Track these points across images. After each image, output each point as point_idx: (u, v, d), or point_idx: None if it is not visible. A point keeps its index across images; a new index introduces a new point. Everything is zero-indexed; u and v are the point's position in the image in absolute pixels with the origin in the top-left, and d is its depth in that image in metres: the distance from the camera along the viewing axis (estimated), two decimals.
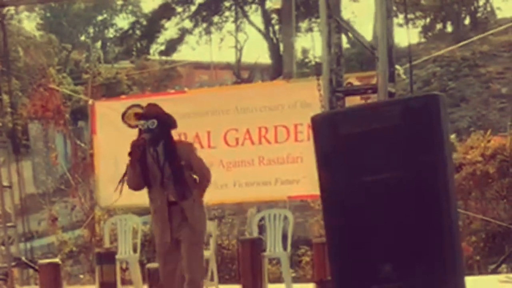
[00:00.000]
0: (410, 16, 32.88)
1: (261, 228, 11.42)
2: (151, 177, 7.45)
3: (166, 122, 7.58)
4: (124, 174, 7.55)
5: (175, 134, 11.04)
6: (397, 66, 11.11)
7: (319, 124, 5.67)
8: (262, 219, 10.88)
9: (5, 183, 12.04)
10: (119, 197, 7.71)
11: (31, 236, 17.13)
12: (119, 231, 11.59)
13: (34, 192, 23.15)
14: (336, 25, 6.25)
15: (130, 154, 7.39)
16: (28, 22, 44.47)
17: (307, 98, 10.36)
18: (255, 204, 14.78)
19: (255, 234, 10.75)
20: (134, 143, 7.42)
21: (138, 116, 7.77)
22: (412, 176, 5.25)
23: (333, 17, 6.18)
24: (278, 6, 28.50)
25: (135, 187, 7.57)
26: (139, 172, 7.41)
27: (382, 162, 5.33)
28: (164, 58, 39.60)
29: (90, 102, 12.86)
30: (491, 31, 18.69)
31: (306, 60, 34.58)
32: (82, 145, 18.41)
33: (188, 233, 7.38)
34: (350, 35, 6.95)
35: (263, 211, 11.71)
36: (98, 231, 14.30)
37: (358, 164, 5.42)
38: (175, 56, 40.32)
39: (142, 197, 8.30)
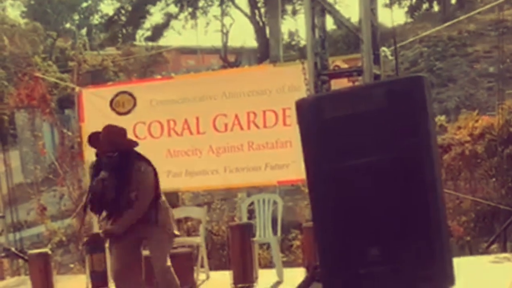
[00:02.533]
0: None
1: (251, 213, 11.42)
2: (105, 204, 7.24)
3: (126, 150, 7.30)
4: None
5: (165, 120, 11.13)
6: (384, 48, 11.09)
7: (303, 109, 5.67)
8: (252, 204, 10.87)
9: None
10: None
11: (20, 226, 17.09)
12: None
13: (23, 182, 23.08)
14: (320, 8, 6.21)
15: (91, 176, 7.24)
16: (12, 10, 44.39)
17: (295, 82, 10.34)
18: (245, 189, 14.78)
19: (245, 219, 10.74)
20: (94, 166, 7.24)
21: (92, 144, 7.45)
22: (397, 158, 5.27)
23: (316, 1, 6.13)
24: None
25: (93, 211, 7.49)
26: (95, 198, 7.20)
27: (367, 145, 5.36)
28: (150, 44, 39.51)
29: (77, 89, 12.78)
30: (477, 10, 18.63)
31: (293, 42, 34.57)
32: (69, 133, 18.35)
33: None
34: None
35: (252, 196, 11.71)
36: (87, 220, 14.25)
37: (343, 148, 5.46)
38: (161, 42, 40.28)
39: None
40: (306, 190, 13.55)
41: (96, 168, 7.24)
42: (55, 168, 17.38)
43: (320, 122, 5.52)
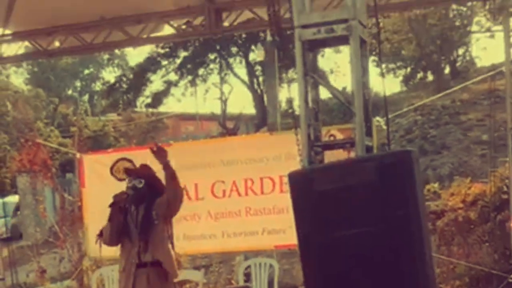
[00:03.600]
0: (391, 65, 33.44)
1: (248, 276, 11.64)
2: (126, 234, 7.50)
3: (154, 185, 7.66)
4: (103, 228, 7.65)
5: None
6: (378, 118, 11.46)
7: (295, 181, 5.85)
8: (248, 267, 11.10)
9: None
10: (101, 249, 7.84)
11: None
12: (107, 282, 11.79)
13: (23, 244, 23.17)
14: (313, 81, 6.46)
15: (111, 205, 7.50)
16: (16, 77, 44.83)
17: (291, 150, 10.63)
18: (242, 253, 14.98)
19: (242, 282, 10.95)
20: (117, 196, 7.51)
21: (128, 172, 7.87)
22: (387, 230, 5.42)
23: (309, 74, 6.39)
24: (261, 58, 28.95)
25: (109, 242, 7.64)
26: (116, 227, 7.48)
27: (357, 216, 5.50)
28: (150, 110, 39.94)
29: (78, 155, 13.07)
30: (471, 81, 19.08)
31: (290, 110, 34.87)
32: (70, 197, 18.56)
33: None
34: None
35: (249, 259, 11.94)
36: (87, 282, 14.40)
37: (333, 219, 5.56)
38: (161, 108, 40.73)
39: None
40: None
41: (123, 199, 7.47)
42: (55, 231, 17.53)
43: (311, 194, 5.67)
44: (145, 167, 7.79)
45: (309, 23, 6.17)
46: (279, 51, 16.99)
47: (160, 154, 7.49)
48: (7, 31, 11.97)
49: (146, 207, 7.49)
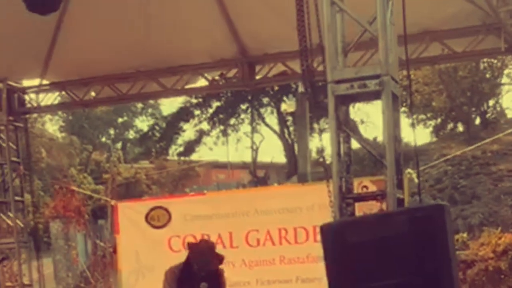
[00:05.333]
0: (421, 116, 33.40)
1: None
2: None
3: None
4: None
5: (199, 234, 11.56)
6: (409, 170, 11.53)
7: (327, 233, 5.93)
8: None
9: (26, 281, 12.40)
10: None
11: None
12: None
13: None
14: (346, 134, 6.54)
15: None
16: (51, 125, 45.35)
17: (323, 201, 10.71)
18: None
19: None
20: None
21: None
22: (418, 282, 5.50)
23: (342, 128, 6.47)
24: (292, 109, 29.19)
25: None
26: None
27: (389, 269, 5.57)
28: (182, 158, 40.23)
29: (113, 203, 13.21)
30: (502, 134, 19.16)
31: (321, 159, 35.02)
32: (102, 244, 18.75)
33: None
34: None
35: None
36: None
37: (364, 271, 5.63)
38: (193, 156, 41.01)
39: None
40: None
41: (186, 279, 7.63)
42: (86, 276, 17.69)
43: (343, 245, 5.74)
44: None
45: (342, 78, 6.30)
46: (310, 102, 17.21)
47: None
48: (45, 81, 12.25)
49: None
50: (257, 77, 11.39)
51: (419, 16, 9.17)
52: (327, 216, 10.17)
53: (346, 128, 6.52)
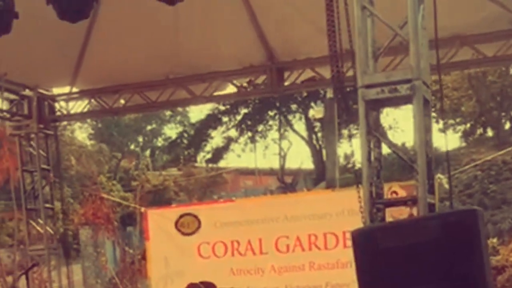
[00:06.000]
0: (450, 121, 33.26)
1: None
2: None
3: None
4: None
5: (229, 241, 11.62)
6: (440, 175, 11.47)
7: (358, 238, 5.90)
8: None
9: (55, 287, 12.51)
10: None
11: None
12: None
13: None
14: (376, 140, 6.51)
15: None
16: (80, 133, 45.65)
17: (354, 206, 10.66)
18: None
19: None
20: None
21: None
22: None
23: (372, 133, 6.45)
24: (320, 115, 29.17)
25: None
26: None
27: (421, 274, 5.53)
28: (210, 165, 40.32)
29: (143, 210, 13.25)
30: None
31: (349, 165, 35.06)
32: (131, 251, 18.80)
33: None
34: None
35: None
36: None
37: (396, 277, 5.59)
38: (221, 163, 41.08)
39: None
40: None
41: None
42: (115, 282, 17.73)
43: (374, 251, 5.70)
44: None
45: (373, 83, 6.28)
46: (339, 108, 17.19)
47: None
48: (75, 89, 12.34)
49: None
50: (286, 83, 11.40)
51: (450, 20, 9.12)
52: (356, 221, 10.13)
53: (376, 133, 6.50)
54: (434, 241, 5.52)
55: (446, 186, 11.36)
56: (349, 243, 11.07)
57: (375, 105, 6.42)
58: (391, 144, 6.96)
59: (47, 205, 12.60)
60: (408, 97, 6.21)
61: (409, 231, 5.66)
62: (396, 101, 6.57)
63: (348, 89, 6.97)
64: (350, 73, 7.09)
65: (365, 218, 6.61)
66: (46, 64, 11.27)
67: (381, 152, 6.64)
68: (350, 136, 9.08)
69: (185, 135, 39.75)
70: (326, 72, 10.76)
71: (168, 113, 46.45)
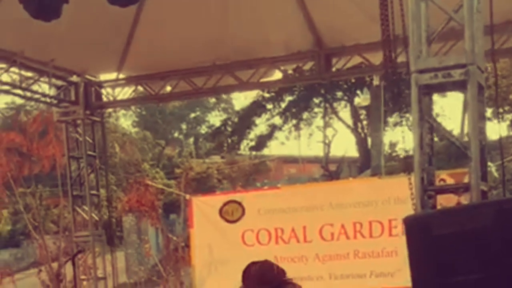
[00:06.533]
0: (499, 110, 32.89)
1: None
2: None
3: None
4: None
5: (273, 228, 11.58)
6: (490, 163, 11.33)
7: (411, 225, 5.81)
8: None
9: (100, 274, 12.55)
10: None
11: None
12: None
13: (126, 282, 23.61)
14: (429, 126, 6.44)
15: None
16: (125, 120, 46.03)
17: (400, 194, 10.65)
18: None
19: None
20: None
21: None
22: (504, 276, 5.35)
23: (425, 119, 6.37)
24: (366, 102, 29.06)
25: None
26: None
27: (474, 262, 5.44)
28: (254, 153, 40.36)
29: (187, 197, 13.25)
30: None
31: (394, 154, 34.86)
32: (174, 238, 18.86)
33: None
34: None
35: None
36: None
37: (450, 264, 5.49)
38: (265, 151, 41.12)
39: None
40: None
41: None
42: (158, 270, 17.81)
43: (428, 238, 5.62)
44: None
45: (426, 68, 6.19)
46: (393, 93, 17.07)
47: None
48: (121, 75, 12.35)
49: None
50: (334, 70, 11.30)
51: (503, 5, 8.94)
52: (403, 210, 10.02)
53: (429, 118, 6.43)
54: (488, 228, 5.43)
55: (495, 174, 11.21)
56: (395, 231, 11.11)
57: (428, 90, 6.35)
58: (444, 130, 6.85)
59: (93, 192, 12.63)
60: (462, 83, 6.14)
61: (463, 218, 5.57)
62: (449, 87, 6.51)
63: (394, 77, 6.92)
64: (400, 58, 7.00)
65: (416, 205, 6.55)
66: (94, 50, 11.29)
67: (433, 139, 6.60)
68: (396, 124, 8.98)
69: (229, 122, 39.75)
70: (374, 59, 10.67)
71: (212, 100, 46.64)
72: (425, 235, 5.68)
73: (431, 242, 5.65)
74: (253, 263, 7.14)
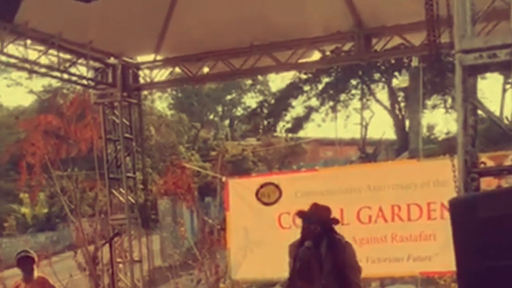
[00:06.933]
0: None
1: None
2: (307, 278, 7.51)
3: (329, 226, 7.69)
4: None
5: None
6: None
7: (456, 207, 5.73)
8: None
9: (136, 257, 12.55)
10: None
11: None
12: None
13: (161, 265, 23.65)
14: (472, 107, 6.34)
15: (297, 246, 7.58)
16: (160, 102, 46.12)
17: (440, 177, 10.56)
18: (378, 279, 14.80)
19: None
20: (294, 245, 7.62)
21: (301, 216, 7.87)
22: None
23: (469, 100, 6.27)
24: (405, 84, 28.82)
25: (290, 283, 7.64)
26: (299, 271, 7.49)
27: None
28: (290, 135, 40.26)
29: (224, 179, 13.25)
30: None
31: (432, 136, 34.58)
32: (210, 221, 18.85)
33: None
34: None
35: (388, 286, 11.82)
36: None
37: (496, 247, 5.43)
38: (301, 133, 41.02)
39: (273, 271, 8.45)
40: (441, 282, 13.56)
41: (300, 243, 7.55)
42: (193, 253, 17.81)
43: (474, 220, 5.56)
44: (316, 209, 7.83)
45: (471, 48, 6.07)
46: (424, 77, 17.00)
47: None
48: (159, 57, 12.31)
49: (328, 247, 7.55)
50: (374, 50, 11.15)
51: None
52: (442, 193, 9.95)
53: (473, 100, 6.32)
54: None
55: None
56: (434, 214, 11.00)
57: (473, 71, 6.23)
58: (488, 112, 6.71)
59: (129, 175, 12.62)
60: (507, 63, 6.01)
61: (509, 200, 5.47)
62: (494, 67, 6.39)
63: (437, 58, 6.80)
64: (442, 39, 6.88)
65: (458, 188, 6.47)
66: (131, 32, 11.28)
67: (477, 120, 6.49)
68: (434, 107, 8.87)
69: (265, 104, 39.65)
70: (415, 39, 10.52)
71: (248, 82, 46.50)
72: (471, 217, 5.60)
73: (477, 224, 5.57)
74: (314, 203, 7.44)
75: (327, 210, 7.83)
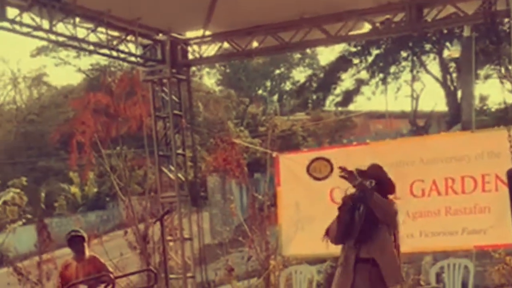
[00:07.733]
0: None
1: (438, 277, 11.42)
2: (351, 234, 7.51)
3: (385, 186, 7.66)
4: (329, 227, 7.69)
5: None
6: None
7: None
8: (441, 268, 10.88)
9: (186, 235, 12.53)
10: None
11: (208, 286, 17.55)
12: (294, 281, 11.87)
13: (211, 243, 23.72)
14: None
15: (340, 207, 7.60)
16: (208, 78, 46.17)
17: (495, 149, 10.39)
18: (431, 253, 14.64)
19: (433, 283, 10.75)
20: (346, 198, 7.59)
21: (360, 174, 7.80)
22: None
23: None
24: (457, 55, 28.34)
25: (335, 240, 7.70)
26: (343, 227, 7.52)
27: None
28: (339, 109, 40.03)
29: (274, 155, 13.17)
30: None
31: (485, 107, 34.06)
32: (260, 197, 18.79)
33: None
34: None
35: (442, 260, 11.69)
36: (273, 281, 14.49)
37: None
38: (351, 107, 40.78)
39: (325, 247, 8.40)
40: (496, 255, 13.38)
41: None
42: (243, 229, 17.78)
43: None
44: (377, 168, 7.76)
45: None
46: (476, 47, 16.66)
47: (350, 178, 7.45)
48: (207, 32, 12.23)
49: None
50: (425, 20, 10.92)
51: None
52: (497, 164, 9.78)
53: None
54: None
55: None
56: (488, 187, 10.81)
57: None
58: None
59: (179, 152, 12.59)
60: None
61: None
62: None
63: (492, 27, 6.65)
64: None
65: None
66: (179, 8, 11.23)
67: None
68: (487, 77, 8.69)
69: (314, 78, 39.42)
70: (467, 8, 10.27)
71: (296, 56, 46.32)
72: None
73: None
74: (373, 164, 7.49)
75: (385, 172, 7.78)
